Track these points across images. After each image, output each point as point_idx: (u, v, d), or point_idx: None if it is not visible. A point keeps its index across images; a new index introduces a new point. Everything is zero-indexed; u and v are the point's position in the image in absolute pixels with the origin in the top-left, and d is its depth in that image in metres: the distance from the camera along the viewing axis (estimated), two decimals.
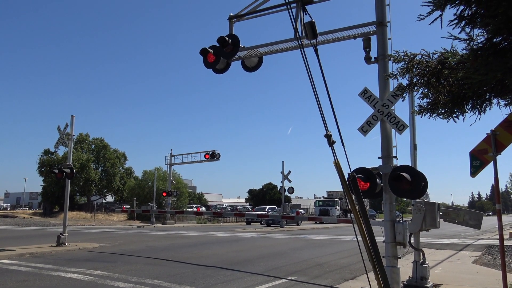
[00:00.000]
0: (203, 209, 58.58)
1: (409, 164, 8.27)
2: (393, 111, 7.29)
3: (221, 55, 8.44)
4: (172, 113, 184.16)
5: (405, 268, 9.41)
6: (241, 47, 8.52)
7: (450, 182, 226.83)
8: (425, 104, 5.65)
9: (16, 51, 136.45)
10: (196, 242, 19.67)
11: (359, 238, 4.37)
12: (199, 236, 24.69)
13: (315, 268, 11.35)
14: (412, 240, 8.28)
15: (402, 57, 5.40)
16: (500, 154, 7.08)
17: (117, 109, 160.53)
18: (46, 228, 32.12)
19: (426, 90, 5.49)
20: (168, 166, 42.62)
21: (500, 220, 7.10)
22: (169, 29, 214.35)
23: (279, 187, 45.26)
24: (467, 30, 4.36)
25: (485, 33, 4.27)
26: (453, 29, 4.36)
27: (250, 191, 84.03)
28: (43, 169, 61.57)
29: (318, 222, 44.83)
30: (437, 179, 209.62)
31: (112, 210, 59.46)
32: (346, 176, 4.63)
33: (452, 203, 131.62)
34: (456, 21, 4.24)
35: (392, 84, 7.35)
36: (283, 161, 38.19)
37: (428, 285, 7.86)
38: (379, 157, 7.45)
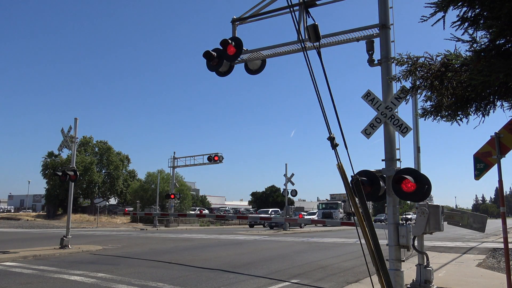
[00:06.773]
0: (206, 211, 58.52)
1: (413, 167, 8.25)
2: (396, 113, 7.27)
3: (224, 57, 8.45)
4: (175, 116, 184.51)
5: (409, 271, 9.37)
6: (244, 49, 8.53)
7: (454, 185, 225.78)
8: (428, 106, 5.63)
9: (21, 53, 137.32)
10: (199, 245, 19.66)
11: (363, 241, 4.35)
12: (202, 238, 24.67)
13: (318, 271, 11.32)
14: (416, 243, 8.26)
15: (405, 60, 5.39)
16: (504, 156, 7.04)
17: (120, 112, 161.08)
18: (49, 231, 32.22)
19: (429, 92, 5.48)
20: (171, 168, 42.64)
21: (504, 223, 7.06)
22: (172, 32, 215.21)
23: (282, 190, 45.21)
24: (470, 31, 4.35)
25: (488, 35, 4.26)
26: (456, 30, 4.36)
27: (253, 194, 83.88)
28: (46, 172, 61.85)
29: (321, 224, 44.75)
30: (441, 182, 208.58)
31: (115, 213, 59.59)
32: (350, 179, 4.62)
33: (456, 206, 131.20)
34: (459, 22, 4.24)
35: (396, 87, 7.34)
36: (286, 164, 38.14)
37: None
38: (382, 160, 7.44)
